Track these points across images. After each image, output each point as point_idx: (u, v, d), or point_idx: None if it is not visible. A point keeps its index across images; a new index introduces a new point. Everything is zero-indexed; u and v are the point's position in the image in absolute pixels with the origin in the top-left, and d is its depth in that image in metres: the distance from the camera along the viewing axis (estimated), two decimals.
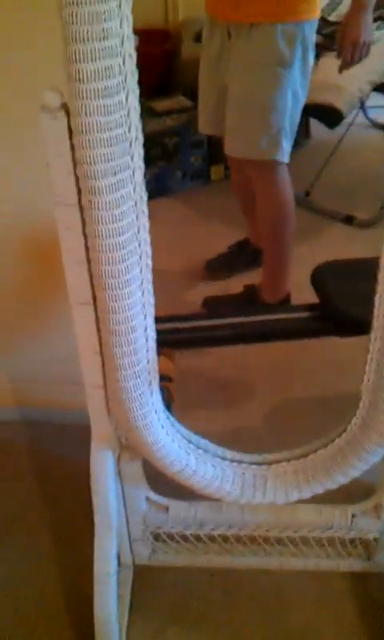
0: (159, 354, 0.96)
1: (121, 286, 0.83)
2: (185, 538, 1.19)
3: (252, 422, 1.60)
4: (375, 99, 2.83)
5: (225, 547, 1.20)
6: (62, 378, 1.48)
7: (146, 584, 1.26)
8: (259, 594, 1.25)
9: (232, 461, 1.05)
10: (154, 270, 0.86)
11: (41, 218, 1.26)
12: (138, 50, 0.72)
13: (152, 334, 0.91)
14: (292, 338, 1.51)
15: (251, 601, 1.25)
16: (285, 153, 1.70)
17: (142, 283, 0.86)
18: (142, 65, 0.72)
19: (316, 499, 1.06)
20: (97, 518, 1.07)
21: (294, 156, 1.80)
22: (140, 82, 0.72)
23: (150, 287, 0.87)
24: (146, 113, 2.79)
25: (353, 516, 1.12)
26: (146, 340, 0.90)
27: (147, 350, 0.91)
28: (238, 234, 2.20)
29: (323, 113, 2.31)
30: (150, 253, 0.85)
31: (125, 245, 0.80)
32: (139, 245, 0.82)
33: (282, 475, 1.03)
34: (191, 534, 1.18)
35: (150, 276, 0.86)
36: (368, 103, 3.00)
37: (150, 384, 0.94)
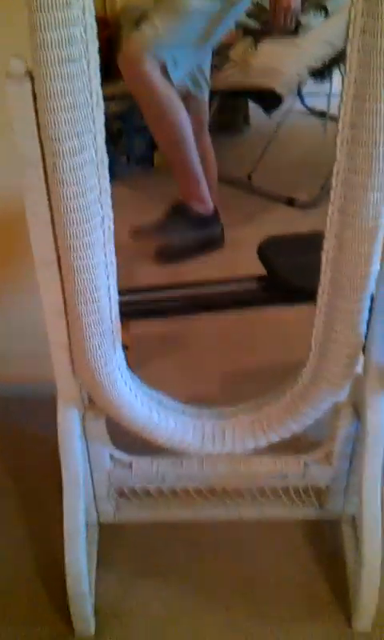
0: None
1: (84, 247, 0.88)
2: (148, 494, 1.25)
3: (206, 390, 1.67)
4: (311, 87, 2.92)
5: (186, 501, 1.27)
6: (24, 351, 1.52)
7: (111, 541, 1.32)
8: (221, 544, 1.32)
9: (191, 415, 1.12)
10: None
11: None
12: None
13: (115, 295, 0.97)
14: (242, 308, 1.58)
15: (214, 552, 1.31)
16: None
17: (104, 245, 0.91)
18: None
19: (271, 452, 1.14)
20: (64, 476, 1.12)
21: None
22: None
23: (111, 248, 0.93)
24: None
25: (305, 464, 1.20)
26: (109, 299, 0.96)
27: (110, 310, 0.97)
28: None
29: (263, 96, 2.37)
30: (111, 216, 0.90)
31: (87, 206, 0.85)
32: (101, 207, 0.88)
33: (239, 426, 1.10)
34: (154, 489, 1.24)
35: (112, 238, 0.92)
36: (304, 91, 3.09)
37: (114, 342, 1.00)
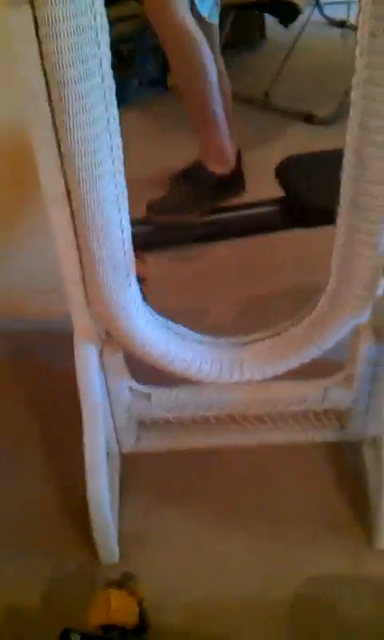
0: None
1: (93, 179, 0.85)
2: (167, 423, 1.26)
3: (223, 318, 1.66)
4: None
5: (206, 428, 1.27)
6: (47, 287, 1.51)
7: (133, 470, 1.34)
8: (242, 470, 1.34)
9: (209, 345, 1.11)
10: None
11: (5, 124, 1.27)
12: None
13: (127, 227, 0.95)
14: (260, 233, 1.56)
15: (235, 477, 1.33)
16: None
17: (114, 175, 0.88)
18: None
19: (290, 376, 1.14)
20: (84, 410, 1.13)
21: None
22: None
23: (122, 180, 0.90)
24: None
25: (325, 388, 1.20)
26: (122, 232, 0.94)
27: (123, 243, 0.95)
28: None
29: (279, 7, 2.27)
30: (120, 145, 0.87)
31: (96, 136, 0.82)
32: (110, 136, 0.85)
33: (258, 353, 1.10)
34: (173, 419, 1.25)
35: (122, 168, 0.89)
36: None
37: (128, 276, 0.99)
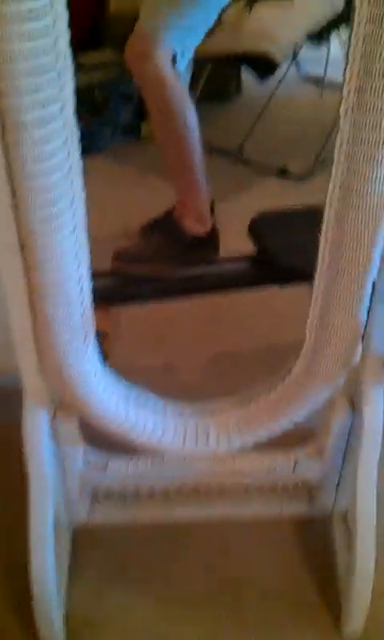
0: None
1: (51, 232, 0.78)
2: (124, 495, 1.17)
3: (190, 377, 1.58)
4: (308, 52, 2.80)
5: (166, 501, 1.18)
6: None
7: (85, 545, 1.23)
8: (203, 546, 1.24)
9: (172, 413, 1.03)
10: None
11: None
12: None
13: (87, 285, 0.87)
14: (232, 289, 1.49)
15: (195, 554, 1.24)
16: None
17: (74, 229, 0.81)
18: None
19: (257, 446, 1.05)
20: (32, 481, 1.03)
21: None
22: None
23: (83, 234, 0.83)
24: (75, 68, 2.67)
25: (296, 460, 1.11)
26: (81, 290, 0.86)
27: (82, 302, 0.87)
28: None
29: (256, 62, 2.26)
30: (83, 196, 0.80)
31: (54, 186, 0.75)
32: (71, 185, 0.77)
33: (225, 423, 1.01)
34: (131, 490, 1.16)
35: (83, 221, 0.82)
36: (301, 55, 2.97)
37: (85, 338, 0.90)
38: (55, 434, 1.04)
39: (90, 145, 2.59)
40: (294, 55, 2.91)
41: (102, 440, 1.06)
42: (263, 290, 1.51)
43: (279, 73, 2.65)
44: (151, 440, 1.00)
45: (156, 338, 1.69)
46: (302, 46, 2.43)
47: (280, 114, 2.83)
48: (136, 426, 0.98)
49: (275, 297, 1.62)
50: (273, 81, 2.61)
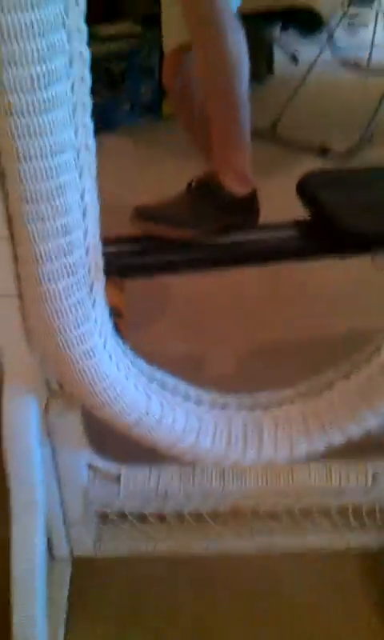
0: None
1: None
2: (142, 519, 0.87)
3: (224, 369, 1.29)
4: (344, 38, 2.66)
5: (198, 528, 0.89)
6: None
7: (89, 582, 0.95)
8: (243, 586, 0.95)
9: (212, 404, 0.74)
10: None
11: None
12: None
13: (93, 209, 0.59)
14: (277, 261, 1.20)
15: (232, 597, 0.94)
16: None
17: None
18: None
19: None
20: (14, 496, 0.74)
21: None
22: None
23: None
24: (89, 38, 2.43)
25: (374, 476, 0.82)
26: (84, 214, 0.58)
27: (85, 232, 0.59)
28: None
29: (300, 17, 2.02)
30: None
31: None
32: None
33: (285, 421, 0.72)
34: (152, 512, 0.86)
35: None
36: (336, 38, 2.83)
37: (92, 288, 0.62)
38: (49, 433, 0.76)
39: (106, 122, 2.34)
40: (330, 36, 2.75)
41: (114, 443, 0.77)
42: (315, 264, 1.23)
43: (313, 53, 2.58)
44: (182, 443, 0.71)
45: (182, 321, 1.40)
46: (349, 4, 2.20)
47: (315, 95, 2.68)
48: (162, 422, 0.69)
49: (330, 272, 1.34)
50: (306, 62, 2.44)
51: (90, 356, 0.64)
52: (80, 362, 0.64)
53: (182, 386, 0.73)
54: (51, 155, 0.52)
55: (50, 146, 0.52)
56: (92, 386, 0.66)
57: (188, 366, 1.27)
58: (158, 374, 0.72)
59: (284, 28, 2.69)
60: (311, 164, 2.17)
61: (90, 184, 0.57)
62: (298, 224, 1.24)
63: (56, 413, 0.75)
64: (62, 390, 0.73)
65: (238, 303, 1.47)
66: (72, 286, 0.60)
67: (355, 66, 3.00)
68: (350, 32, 3.25)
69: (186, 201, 1.28)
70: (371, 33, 2.93)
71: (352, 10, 2.62)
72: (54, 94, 0.49)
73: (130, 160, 2.22)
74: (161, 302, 1.44)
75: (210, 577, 0.95)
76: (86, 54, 0.53)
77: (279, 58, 3.00)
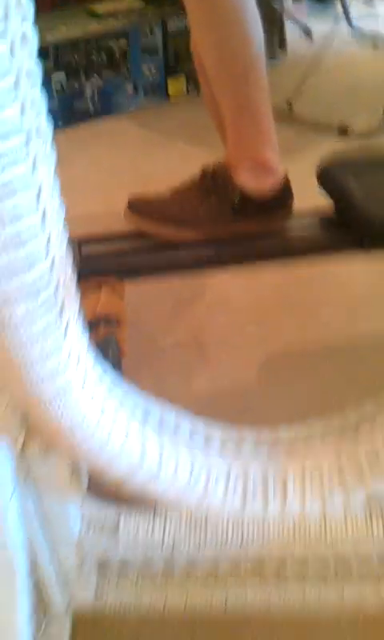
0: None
1: None
2: (148, 569, 0.74)
3: (238, 385, 1.15)
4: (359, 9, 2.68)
5: (212, 578, 0.75)
6: None
7: (91, 636, 0.81)
8: None
9: (224, 444, 0.60)
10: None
11: None
12: None
13: (56, 211, 0.46)
14: (293, 257, 1.06)
15: None
16: None
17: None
18: None
19: None
20: None
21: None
22: None
23: None
24: (87, 15, 2.30)
25: None
26: (42, 217, 0.44)
27: (48, 241, 0.45)
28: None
29: None
30: None
31: None
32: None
33: (315, 466, 0.58)
34: (158, 563, 0.73)
35: None
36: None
37: (62, 310, 0.48)
38: (29, 475, 0.63)
39: (108, 106, 2.20)
40: (345, 8, 2.61)
41: None
42: (339, 262, 1.09)
43: (327, 27, 2.56)
44: (188, 496, 0.57)
45: (189, 329, 1.26)
46: None
47: (332, 71, 2.54)
48: (161, 473, 0.56)
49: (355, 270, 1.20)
50: (320, 37, 2.46)
51: (64, 395, 0.51)
52: (52, 404, 0.51)
53: (186, 423, 0.59)
54: None
55: None
56: (70, 433, 0.53)
57: (197, 376, 1.13)
58: (156, 411, 0.59)
59: None
60: (331, 144, 2.03)
61: (48, 179, 0.44)
62: (318, 214, 1.10)
63: (35, 455, 0.62)
64: (37, 429, 0.60)
65: (252, 306, 1.32)
66: (34, 310, 0.46)
67: (373, 40, 2.83)
68: (367, 3, 3.09)
69: (191, 195, 1.12)
70: None
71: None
72: None
73: (133, 145, 2.08)
74: (166, 306, 1.31)
75: (224, 633, 0.81)
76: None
77: (292, 35, 2.84)
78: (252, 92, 1.13)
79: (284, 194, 1.12)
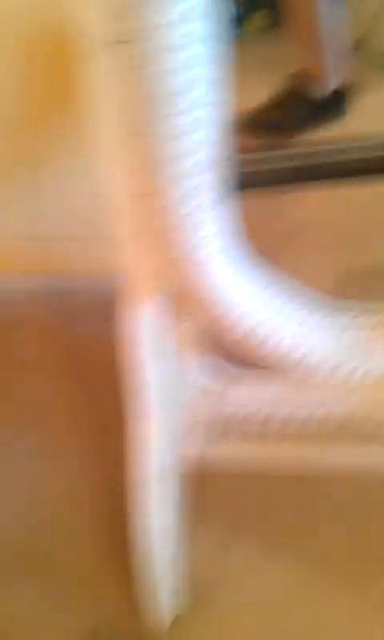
0: None
1: None
2: (261, 425, 0.86)
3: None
4: None
5: (319, 436, 0.87)
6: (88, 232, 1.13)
7: (200, 495, 0.95)
8: (361, 504, 0.93)
9: (333, 311, 0.71)
10: None
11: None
12: None
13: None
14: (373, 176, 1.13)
15: (350, 514, 0.92)
16: None
17: None
18: None
19: None
20: (132, 403, 0.75)
21: None
22: None
23: None
24: None
25: None
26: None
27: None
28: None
29: None
30: None
31: None
32: None
33: None
34: (269, 420, 0.85)
35: None
36: None
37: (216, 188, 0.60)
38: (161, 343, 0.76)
39: None
40: None
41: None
42: None
43: None
44: (294, 351, 0.69)
45: (284, 236, 1.35)
46: None
47: None
48: (273, 333, 0.67)
49: None
50: None
51: (208, 263, 0.63)
52: (197, 268, 0.63)
53: (299, 293, 0.71)
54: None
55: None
56: (207, 295, 0.65)
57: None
58: (281, 281, 0.70)
59: None
60: None
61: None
62: None
63: (169, 322, 0.74)
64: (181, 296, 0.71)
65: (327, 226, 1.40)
66: (200, 185, 0.58)
67: None
68: None
69: (282, 103, 1.33)
70: None
71: None
72: None
73: None
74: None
75: (323, 491, 0.93)
76: None
77: None
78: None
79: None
